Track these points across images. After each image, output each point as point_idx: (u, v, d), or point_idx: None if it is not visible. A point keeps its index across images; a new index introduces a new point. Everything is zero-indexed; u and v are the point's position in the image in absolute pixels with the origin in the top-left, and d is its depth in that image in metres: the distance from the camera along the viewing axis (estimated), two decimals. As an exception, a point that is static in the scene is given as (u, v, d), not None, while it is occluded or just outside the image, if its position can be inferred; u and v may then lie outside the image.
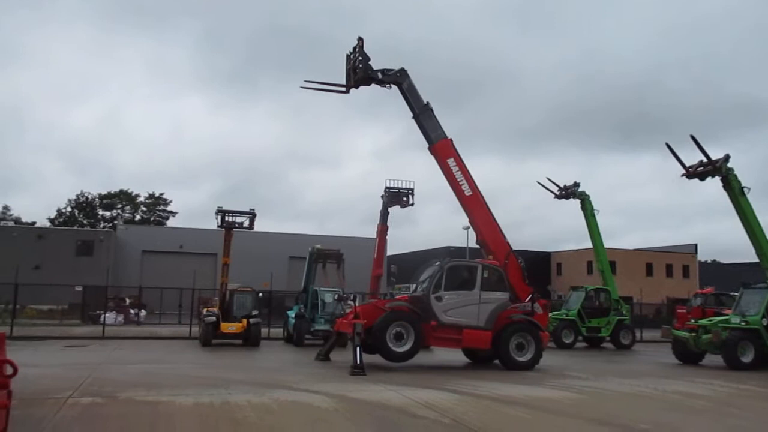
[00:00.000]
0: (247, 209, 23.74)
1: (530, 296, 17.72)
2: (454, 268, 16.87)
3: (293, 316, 24.25)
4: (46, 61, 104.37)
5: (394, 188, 26.29)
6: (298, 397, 10.92)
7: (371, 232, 38.27)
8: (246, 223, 23.58)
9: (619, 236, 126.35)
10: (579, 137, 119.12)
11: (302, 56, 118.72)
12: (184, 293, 33.34)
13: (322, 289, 24.93)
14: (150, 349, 21.20)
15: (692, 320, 20.58)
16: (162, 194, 73.00)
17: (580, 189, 28.53)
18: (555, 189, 29.32)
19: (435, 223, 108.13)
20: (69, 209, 69.07)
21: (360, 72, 18.37)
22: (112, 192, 71.42)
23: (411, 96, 18.53)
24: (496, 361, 17.71)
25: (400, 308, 16.18)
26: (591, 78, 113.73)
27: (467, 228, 30.89)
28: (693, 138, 19.44)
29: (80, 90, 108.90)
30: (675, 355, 20.15)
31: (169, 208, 73.40)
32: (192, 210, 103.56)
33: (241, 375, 14.18)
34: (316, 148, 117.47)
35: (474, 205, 18.36)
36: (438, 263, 17.03)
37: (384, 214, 26.65)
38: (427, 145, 18.72)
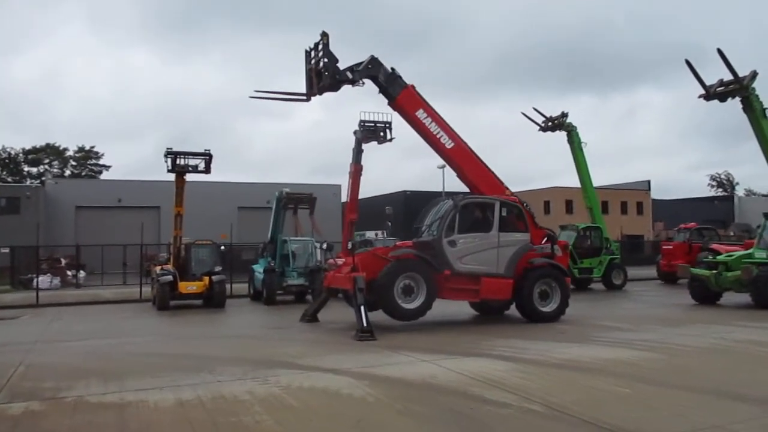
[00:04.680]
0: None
1: (547, 237, 15.38)
2: (468, 206, 14.18)
3: (261, 270, 21.25)
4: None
5: (369, 122, 23.03)
6: (314, 381, 8.12)
7: (322, 181, 34.94)
8: (201, 166, 20.16)
9: (562, 176, 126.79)
10: (523, 83, 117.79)
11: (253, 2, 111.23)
12: (128, 250, 29.93)
13: (293, 238, 22.00)
14: (96, 316, 17.99)
15: (710, 257, 18.71)
16: (93, 147, 67.32)
17: (568, 120, 26.21)
18: (540, 120, 26.83)
19: (382, 169, 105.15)
20: (-10, 166, 63.03)
21: (327, 78, 14.67)
22: (38, 146, 65.41)
23: (386, 82, 15.14)
24: (507, 312, 15.55)
25: (408, 257, 13.45)
26: (535, 26, 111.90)
27: (443, 167, 28.15)
28: (720, 52, 17.20)
29: (16, 41, 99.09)
30: (692, 295, 18.37)
31: (102, 162, 67.89)
32: (131, 165, 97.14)
33: (222, 349, 11.28)
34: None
35: (460, 156, 15.46)
36: (450, 201, 14.30)
37: (358, 153, 23.25)
38: (387, 102, 15.50)
